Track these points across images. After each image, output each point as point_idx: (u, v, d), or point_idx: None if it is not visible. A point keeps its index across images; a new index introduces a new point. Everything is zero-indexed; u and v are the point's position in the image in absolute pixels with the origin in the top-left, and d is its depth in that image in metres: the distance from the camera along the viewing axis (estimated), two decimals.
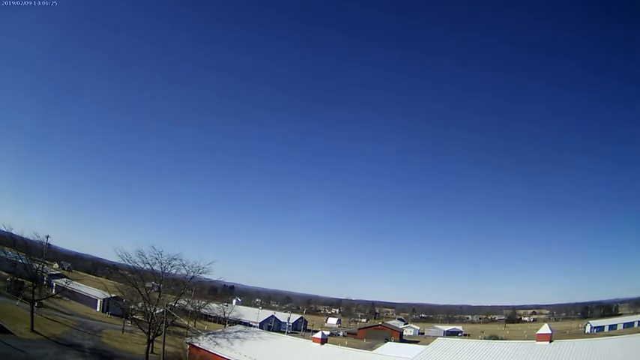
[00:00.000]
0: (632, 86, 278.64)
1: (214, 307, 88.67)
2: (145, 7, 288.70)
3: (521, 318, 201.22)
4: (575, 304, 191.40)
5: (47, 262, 53.20)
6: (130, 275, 48.09)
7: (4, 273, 62.63)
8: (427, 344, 37.53)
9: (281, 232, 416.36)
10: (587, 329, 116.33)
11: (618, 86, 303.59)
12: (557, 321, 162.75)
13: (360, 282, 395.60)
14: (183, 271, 44.44)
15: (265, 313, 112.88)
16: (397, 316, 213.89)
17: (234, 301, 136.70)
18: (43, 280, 51.13)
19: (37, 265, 48.00)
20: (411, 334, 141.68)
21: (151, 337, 40.54)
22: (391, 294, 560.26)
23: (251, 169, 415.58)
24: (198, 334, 51.32)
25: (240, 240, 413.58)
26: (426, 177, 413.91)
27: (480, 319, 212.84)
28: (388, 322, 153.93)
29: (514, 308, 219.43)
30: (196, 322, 75.08)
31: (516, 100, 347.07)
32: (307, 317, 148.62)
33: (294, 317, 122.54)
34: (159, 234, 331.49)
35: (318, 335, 40.64)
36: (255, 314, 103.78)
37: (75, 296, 77.60)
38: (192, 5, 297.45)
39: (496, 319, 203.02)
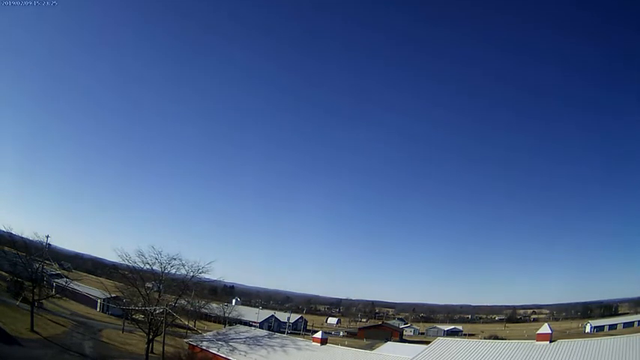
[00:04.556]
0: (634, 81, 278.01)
1: (214, 307, 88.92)
2: (146, 6, 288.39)
3: (521, 318, 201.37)
4: (575, 304, 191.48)
5: (47, 262, 53.12)
6: (130, 275, 48.14)
7: (4, 273, 62.60)
8: (427, 344, 37.51)
9: (281, 232, 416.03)
10: (587, 329, 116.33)
11: (621, 84, 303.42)
12: (557, 321, 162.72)
13: (360, 282, 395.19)
14: (183, 271, 44.67)
15: (265, 313, 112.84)
16: (397, 316, 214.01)
17: (234, 300, 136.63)
18: (43, 280, 51.08)
19: (37, 265, 48.00)
20: (411, 334, 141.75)
21: (150, 337, 40.59)
22: (391, 294, 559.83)
23: (251, 169, 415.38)
24: (198, 334, 51.36)
25: (240, 240, 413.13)
26: (426, 176, 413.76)
27: (480, 318, 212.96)
28: (388, 322, 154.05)
29: (514, 308, 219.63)
30: (196, 322, 75.11)
31: (518, 98, 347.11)
32: (307, 317, 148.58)
33: (294, 317, 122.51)
34: (159, 234, 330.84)
35: (318, 335, 40.66)
36: (255, 314, 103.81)
37: (75, 296, 77.51)
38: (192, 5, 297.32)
39: (496, 319, 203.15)
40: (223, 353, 39.13)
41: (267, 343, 41.48)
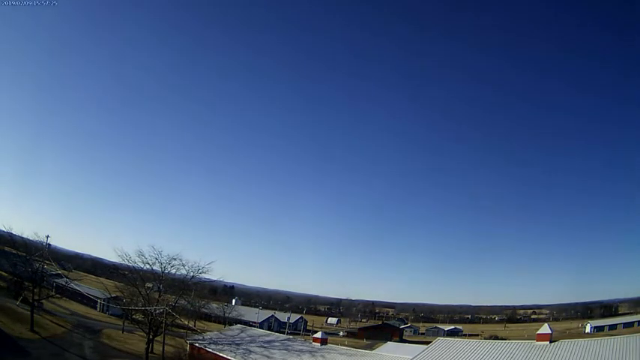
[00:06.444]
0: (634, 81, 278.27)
1: (214, 307, 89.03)
2: (146, 6, 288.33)
3: (521, 318, 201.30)
4: (575, 304, 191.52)
5: (47, 262, 53.17)
6: (130, 275, 48.16)
7: (4, 273, 62.61)
8: (427, 344, 37.52)
9: (281, 232, 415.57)
10: (587, 329, 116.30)
11: (620, 83, 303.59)
12: (557, 321, 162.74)
13: (360, 282, 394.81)
14: (183, 271, 44.66)
15: (265, 313, 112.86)
16: (397, 316, 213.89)
17: (234, 301, 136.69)
18: (43, 280, 51.15)
19: (37, 265, 48.01)
20: (411, 334, 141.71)
21: (150, 337, 40.57)
22: (391, 294, 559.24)
23: (251, 168, 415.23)
24: (198, 334, 51.14)
25: (240, 240, 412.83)
26: (425, 176, 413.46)
27: (480, 319, 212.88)
28: (388, 322, 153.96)
29: (514, 308, 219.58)
30: (196, 322, 75.13)
31: (517, 98, 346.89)
32: (307, 317, 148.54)
33: (294, 317, 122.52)
34: (159, 234, 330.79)
35: (319, 335, 40.54)
36: (255, 314, 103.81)
37: (75, 296, 77.60)
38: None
39: (496, 319, 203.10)
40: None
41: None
